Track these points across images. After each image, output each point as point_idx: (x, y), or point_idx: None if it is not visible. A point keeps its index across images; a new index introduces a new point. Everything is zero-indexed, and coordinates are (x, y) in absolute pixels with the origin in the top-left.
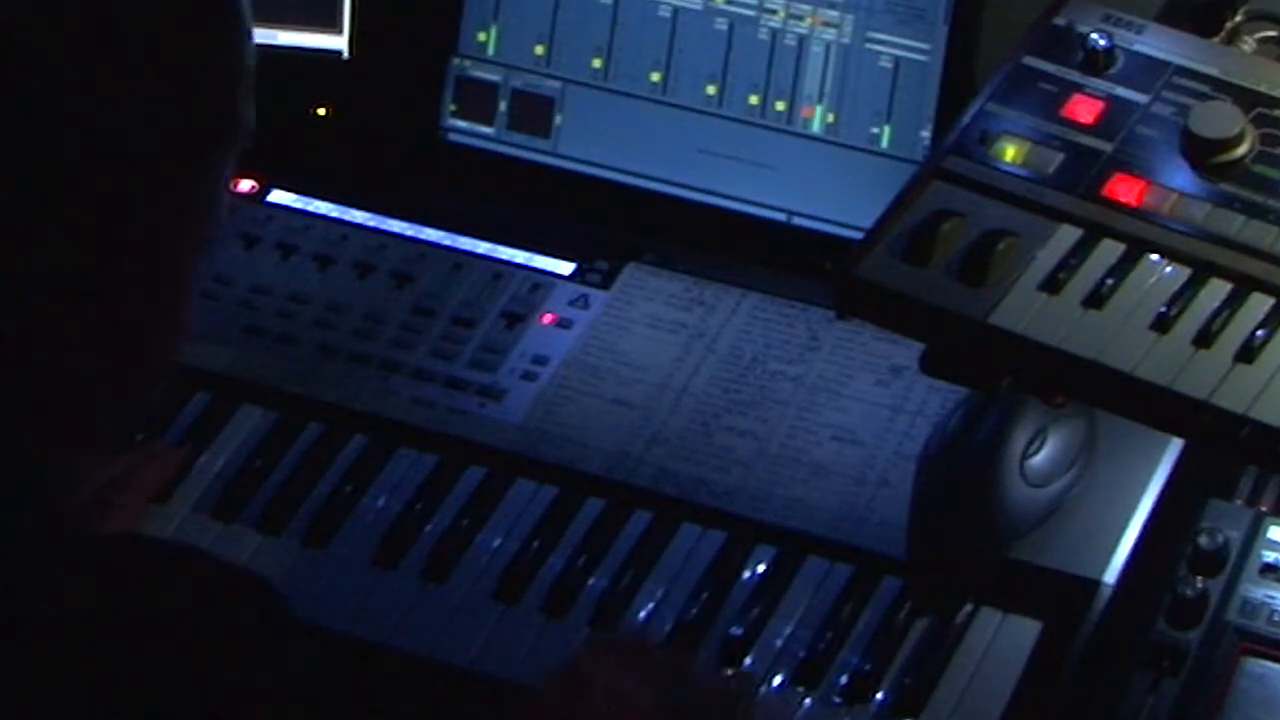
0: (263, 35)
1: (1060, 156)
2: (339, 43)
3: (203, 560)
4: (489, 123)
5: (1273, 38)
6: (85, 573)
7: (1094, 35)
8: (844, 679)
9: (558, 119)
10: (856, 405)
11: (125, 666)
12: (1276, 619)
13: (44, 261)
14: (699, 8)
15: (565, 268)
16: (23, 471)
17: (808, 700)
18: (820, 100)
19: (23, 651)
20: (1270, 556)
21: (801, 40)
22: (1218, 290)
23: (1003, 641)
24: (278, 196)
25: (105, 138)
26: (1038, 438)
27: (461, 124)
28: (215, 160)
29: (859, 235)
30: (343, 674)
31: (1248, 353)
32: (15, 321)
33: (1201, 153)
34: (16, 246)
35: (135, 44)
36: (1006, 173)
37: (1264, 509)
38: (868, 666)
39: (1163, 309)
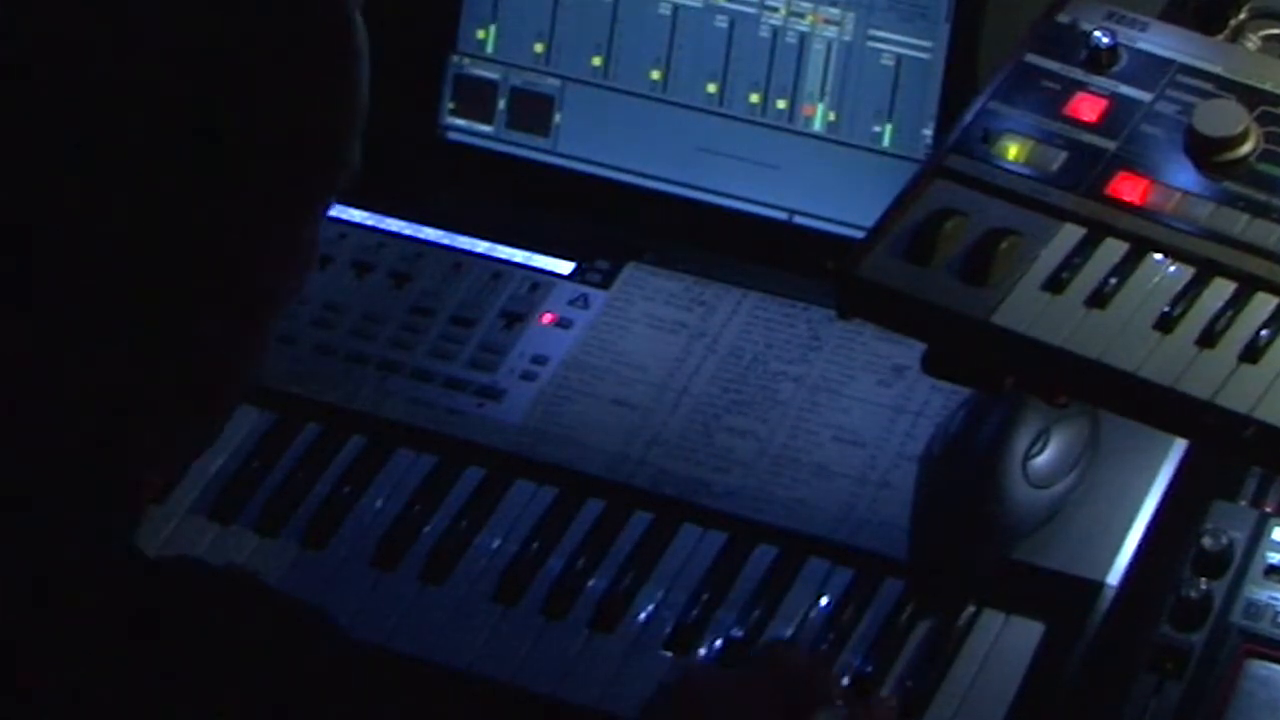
0: None
1: (1063, 155)
2: None
3: (261, 589)
4: (488, 121)
5: (1277, 35)
6: (145, 597)
7: (1097, 33)
8: (846, 681)
9: (557, 117)
10: (858, 405)
11: (179, 697)
12: None
13: (143, 288)
14: (699, 5)
15: (565, 267)
16: (95, 494)
17: None
18: (821, 98)
19: (76, 674)
20: (1275, 558)
21: (803, 38)
22: (1222, 290)
23: (1005, 643)
24: None
25: (227, 172)
26: (1040, 438)
27: (460, 122)
28: (322, 202)
29: (860, 234)
30: (397, 692)
31: (1252, 353)
32: (107, 346)
33: (1205, 151)
34: (118, 268)
35: (265, 83)
36: (1009, 171)
37: (1268, 510)
38: (870, 668)
39: (1166, 309)
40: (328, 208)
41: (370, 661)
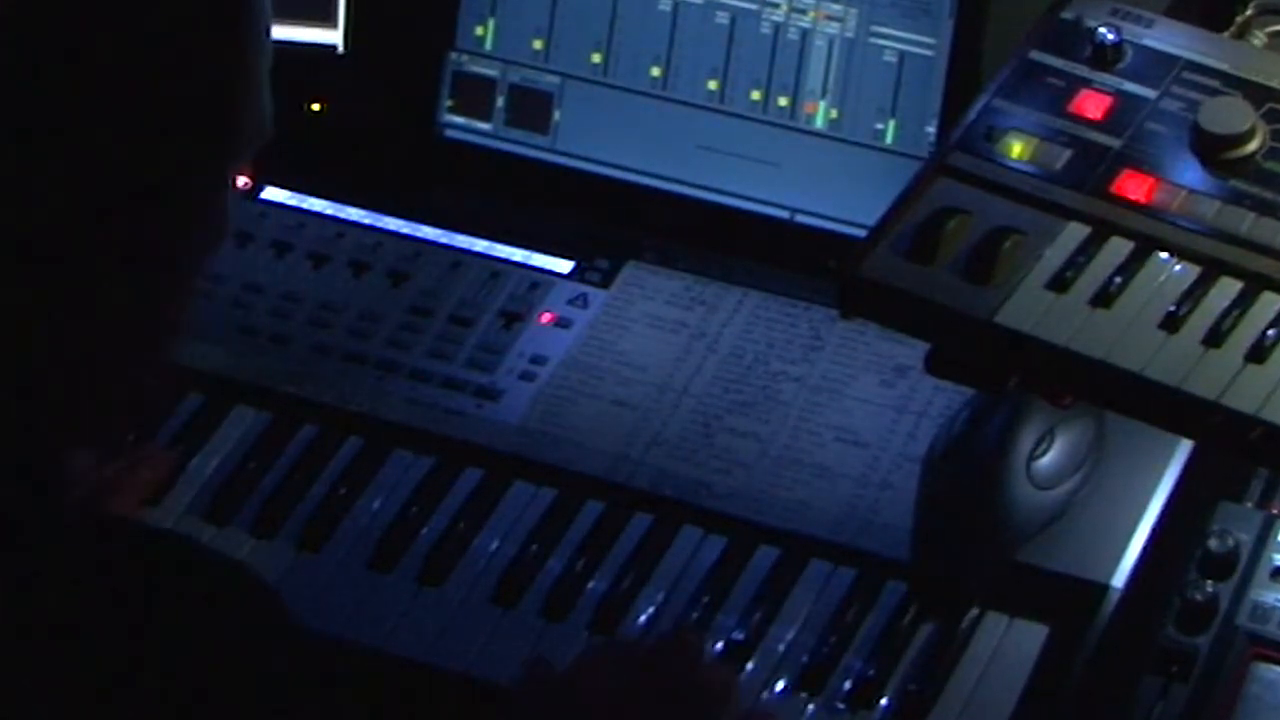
0: None
1: (1068, 153)
2: (334, 37)
3: (201, 551)
4: (486, 119)
5: None
6: (80, 561)
7: (1102, 29)
8: (848, 684)
9: (556, 115)
10: (860, 406)
11: (118, 656)
12: None
13: (45, 253)
14: (700, 1)
15: (564, 266)
16: (16, 465)
17: (811, 706)
18: (823, 95)
19: (15, 641)
20: None
21: (804, 34)
22: (1228, 289)
23: (1009, 646)
24: (271, 194)
25: (115, 132)
26: (1045, 439)
27: (458, 120)
28: (224, 163)
29: (863, 233)
30: (338, 677)
31: (1258, 352)
32: (13, 312)
33: (1211, 149)
34: (20, 233)
35: (151, 43)
36: (1013, 169)
37: (1275, 511)
38: (872, 672)
39: (1172, 308)
40: (234, 172)
41: (301, 631)
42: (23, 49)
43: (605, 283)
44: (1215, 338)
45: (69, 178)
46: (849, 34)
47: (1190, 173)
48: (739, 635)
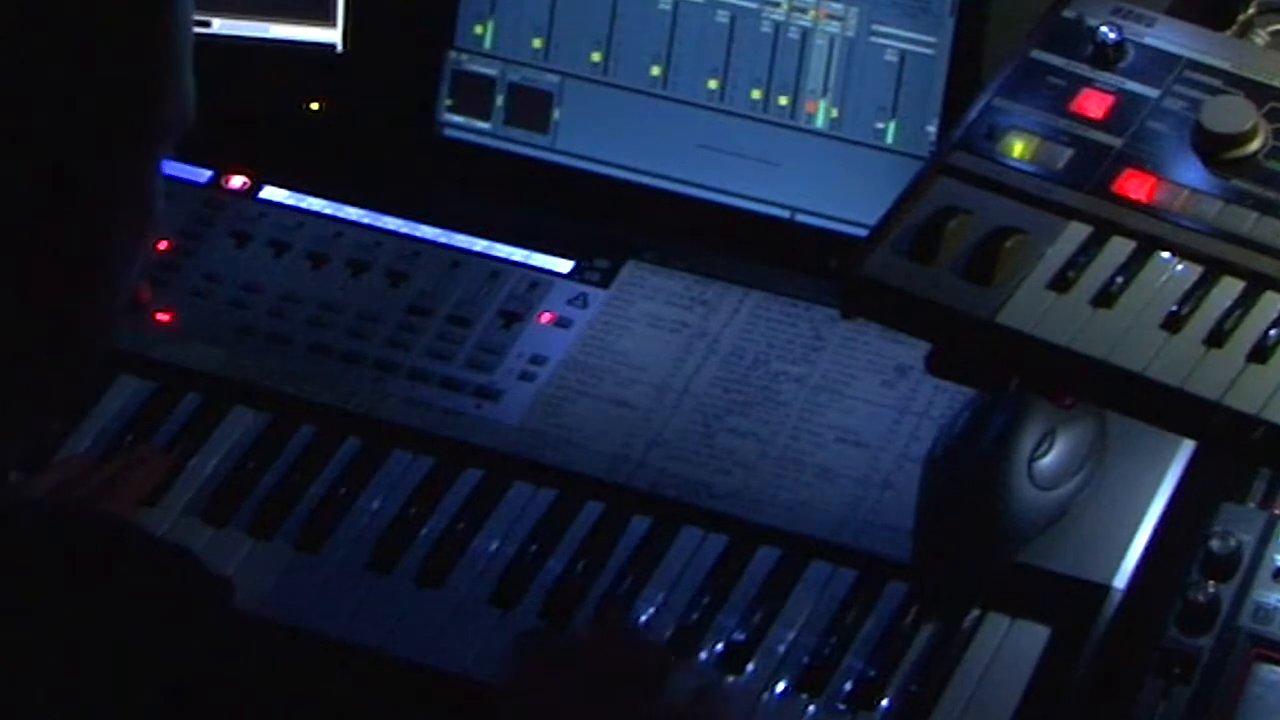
0: (255, 28)
1: (1069, 152)
2: (332, 36)
3: (137, 535)
4: (486, 118)
5: None
6: (8, 546)
7: (1104, 28)
8: (848, 686)
9: (556, 114)
10: (861, 406)
11: (49, 643)
12: None
13: None
14: (700, 0)
15: (564, 266)
16: None
17: (811, 707)
18: (824, 95)
19: None
20: None
21: (805, 33)
22: (1230, 289)
23: (1010, 647)
24: (270, 193)
25: (34, 114)
26: (1046, 439)
27: (458, 119)
28: (147, 148)
29: (863, 232)
30: (282, 666)
31: (1261, 352)
32: None
33: (1213, 148)
34: None
35: (69, 25)
36: (1014, 169)
37: (1277, 512)
38: (873, 673)
39: (1174, 308)
40: (160, 157)
41: (242, 618)
42: None
43: (605, 282)
44: (1217, 338)
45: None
46: (850, 33)
47: (1192, 172)
48: (739, 636)
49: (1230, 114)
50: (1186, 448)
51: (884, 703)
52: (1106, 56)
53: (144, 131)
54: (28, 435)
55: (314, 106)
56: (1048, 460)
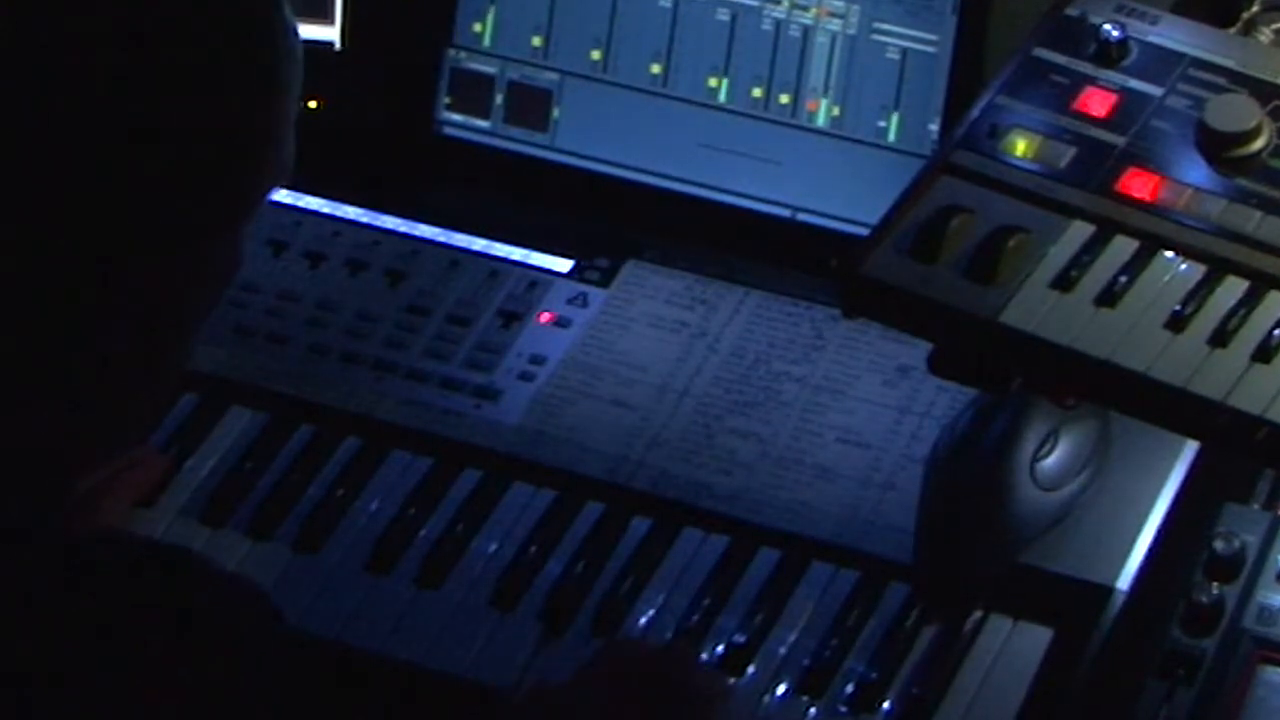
0: None
1: (1072, 151)
2: (331, 34)
3: (199, 564)
4: (485, 116)
5: None
6: (74, 574)
7: (1107, 26)
8: (850, 688)
9: (555, 112)
10: (863, 406)
11: (108, 667)
12: None
13: (55, 301)
14: None
15: (563, 265)
16: (22, 493)
17: (813, 710)
18: (825, 93)
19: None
20: None
21: (806, 31)
22: (1234, 288)
23: (1013, 649)
24: None
25: (136, 186)
26: (1049, 440)
27: (456, 117)
28: (239, 218)
29: (865, 231)
30: (335, 686)
31: (1265, 352)
32: (22, 357)
33: (1217, 147)
34: (34, 270)
35: (181, 101)
36: (1017, 167)
37: None
38: (874, 675)
39: (1177, 307)
40: (242, 226)
41: (299, 641)
42: (51, 94)
43: (605, 282)
44: (1221, 337)
45: (82, 228)
46: (851, 31)
47: (1196, 171)
48: (740, 638)
49: (1234, 112)
50: (1190, 448)
51: (886, 705)
52: (1110, 54)
53: (242, 202)
54: (100, 471)
55: (312, 105)
56: (1050, 461)
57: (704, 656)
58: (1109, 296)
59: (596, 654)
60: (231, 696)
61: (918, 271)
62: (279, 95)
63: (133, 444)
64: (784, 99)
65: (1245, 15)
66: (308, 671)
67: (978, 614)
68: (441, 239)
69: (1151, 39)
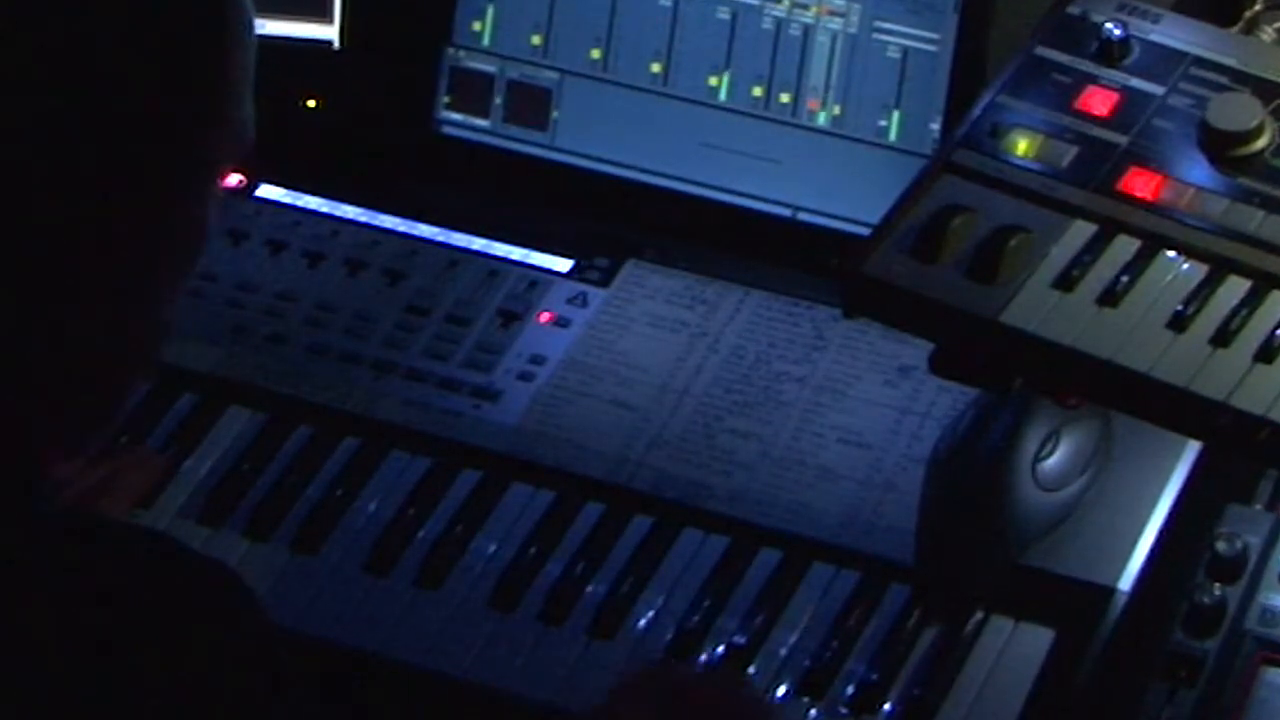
0: None
1: (1074, 150)
2: (330, 32)
3: (172, 547)
4: (484, 115)
5: None
6: (52, 558)
7: (1109, 25)
8: (850, 689)
9: (555, 111)
10: (863, 406)
11: (88, 652)
12: None
13: (22, 257)
14: None
15: (563, 265)
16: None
17: (813, 711)
18: (826, 92)
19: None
20: None
21: (807, 30)
22: (1236, 288)
23: (1014, 651)
24: (266, 191)
25: (99, 142)
26: (1050, 440)
27: (456, 116)
28: (206, 174)
29: (866, 231)
30: (313, 678)
31: (1267, 352)
32: None
33: (1220, 146)
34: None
35: (139, 54)
36: (1018, 166)
37: None
38: (875, 676)
39: (1179, 307)
40: (211, 187)
41: (274, 629)
42: (7, 51)
43: (605, 281)
44: (1223, 337)
45: (46, 187)
46: (852, 30)
47: (1198, 170)
48: (740, 639)
49: (1237, 111)
50: (1192, 449)
51: (887, 706)
52: (1111, 53)
53: (206, 156)
54: (80, 453)
55: (311, 104)
56: (1052, 461)
57: (704, 658)
58: (1111, 296)
59: (641, 675)
60: (208, 674)
61: (919, 271)
62: (231, 48)
63: (103, 429)
64: (785, 98)
65: (1247, 14)
66: (285, 652)
67: (979, 615)
68: (441, 238)
69: (1153, 38)
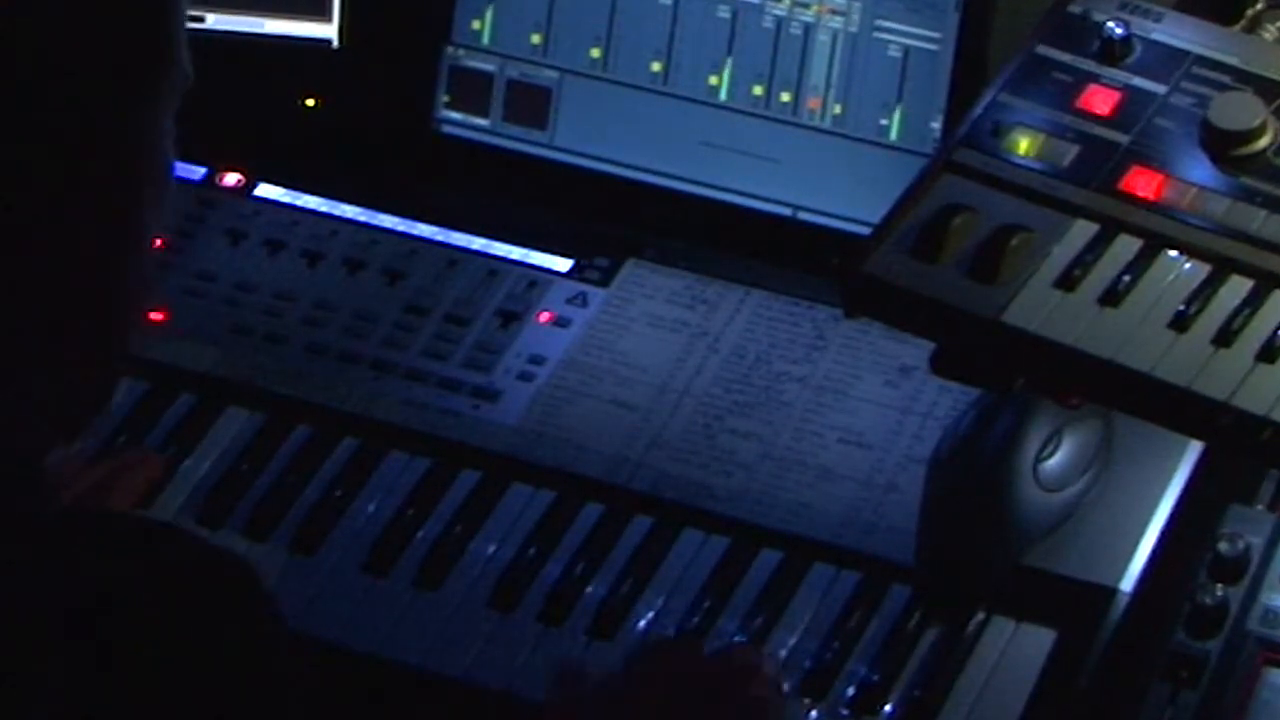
0: (250, 23)
1: (1075, 149)
2: (329, 31)
3: (186, 539)
4: (484, 114)
5: None
6: (56, 550)
7: (1110, 23)
8: (851, 690)
9: (555, 110)
10: (864, 406)
11: (99, 645)
12: None
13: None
14: None
15: (563, 264)
16: None
17: (814, 712)
18: (827, 91)
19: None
20: None
21: (807, 29)
22: (1238, 288)
23: (1016, 651)
24: (265, 190)
25: (28, 69)
26: (1052, 440)
27: (455, 115)
28: (164, 98)
29: (867, 230)
30: (320, 676)
31: (1269, 352)
32: None
33: (1221, 145)
34: None
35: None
36: (1019, 166)
37: None
38: (876, 677)
39: (1181, 307)
40: (164, 111)
41: (284, 623)
42: None
43: (605, 281)
44: (1225, 337)
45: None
46: (852, 28)
47: (1200, 169)
48: (741, 640)
49: (1239, 110)
50: (1194, 449)
51: (887, 707)
52: (1113, 52)
53: (160, 82)
54: (64, 432)
55: (310, 103)
56: (1053, 461)
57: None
58: (1112, 296)
59: (646, 652)
60: (217, 662)
61: (920, 271)
62: None
63: (92, 405)
64: (785, 97)
65: (1250, 12)
66: (293, 642)
67: (980, 616)
68: (440, 238)
69: (1155, 36)
